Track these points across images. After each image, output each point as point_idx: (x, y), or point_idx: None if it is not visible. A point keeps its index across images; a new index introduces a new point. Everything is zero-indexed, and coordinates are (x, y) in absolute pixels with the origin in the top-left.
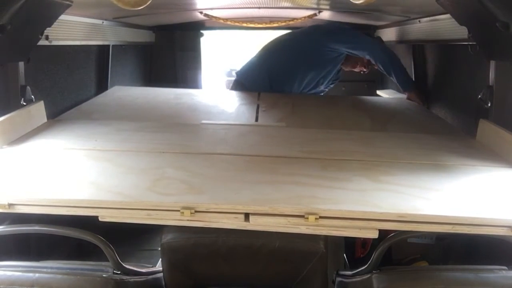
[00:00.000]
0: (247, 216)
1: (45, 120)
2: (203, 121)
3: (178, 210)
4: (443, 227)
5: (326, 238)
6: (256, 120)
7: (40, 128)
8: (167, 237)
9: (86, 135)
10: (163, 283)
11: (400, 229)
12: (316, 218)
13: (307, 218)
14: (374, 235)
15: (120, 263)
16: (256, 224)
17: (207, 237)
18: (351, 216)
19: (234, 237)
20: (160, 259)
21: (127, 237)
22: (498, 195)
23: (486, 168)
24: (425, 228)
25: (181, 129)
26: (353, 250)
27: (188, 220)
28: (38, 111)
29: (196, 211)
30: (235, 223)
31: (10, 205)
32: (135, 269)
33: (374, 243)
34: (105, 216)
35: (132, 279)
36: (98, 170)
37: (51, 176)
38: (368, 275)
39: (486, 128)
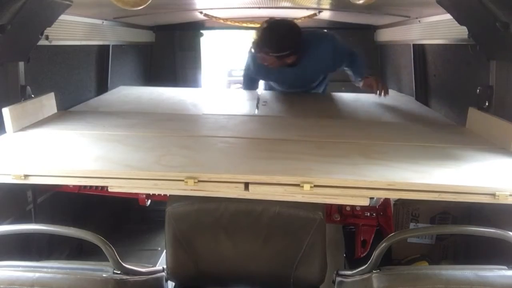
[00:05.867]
0: (246, 185)
1: (55, 110)
2: (205, 112)
3: (183, 180)
4: (430, 194)
5: (324, 208)
6: (256, 112)
7: (50, 117)
8: (172, 204)
9: (95, 123)
10: (163, 282)
11: (389, 196)
12: (311, 187)
13: (303, 186)
14: (365, 202)
15: (120, 263)
16: (255, 193)
17: (210, 203)
18: (343, 185)
19: (236, 203)
20: (161, 256)
21: (127, 237)
22: (483, 170)
23: (473, 148)
24: (413, 196)
25: (184, 119)
26: (353, 250)
27: (191, 189)
28: (49, 101)
29: (199, 181)
30: (235, 192)
31: (26, 176)
32: (135, 269)
33: (374, 243)
34: (114, 186)
35: (132, 279)
36: (107, 148)
37: (63, 153)
38: (368, 275)
39: (475, 115)
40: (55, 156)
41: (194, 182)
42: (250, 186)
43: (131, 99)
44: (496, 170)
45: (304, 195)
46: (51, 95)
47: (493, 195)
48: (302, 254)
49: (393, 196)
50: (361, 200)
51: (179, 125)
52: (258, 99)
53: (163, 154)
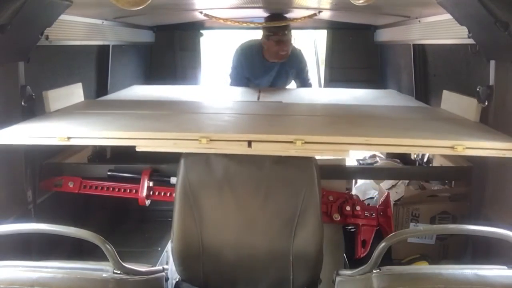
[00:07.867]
0: (249, 143)
1: (83, 98)
2: (212, 100)
3: (197, 139)
4: (402, 148)
5: (317, 163)
6: (258, 100)
7: (79, 104)
8: (186, 156)
9: (118, 106)
10: (163, 282)
11: (366, 150)
12: (302, 143)
13: (295, 142)
14: (346, 155)
15: (120, 263)
16: (257, 149)
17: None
18: (328, 141)
19: (240, 156)
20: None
21: (127, 237)
22: (448, 132)
23: (443, 119)
24: (388, 150)
25: (195, 104)
26: (353, 250)
27: (205, 147)
28: (77, 90)
29: (211, 140)
30: (240, 149)
31: (69, 138)
32: (135, 269)
33: (374, 243)
34: (141, 146)
35: (132, 279)
36: (132, 121)
37: (96, 123)
38: (368, 275)
39: (448, 96)
40: (90, 125)
41: (207, 141)
42: (253, 144)
43: (144, 93)
44: (459, 132)
45: (297, 150)
46: (79, 85)
47: (452, 147)
48: (299, 214)
49: (371, 150)
50: (342, 153)
51: (192, 107)
52: (259, 92)
53: (180, 122)
